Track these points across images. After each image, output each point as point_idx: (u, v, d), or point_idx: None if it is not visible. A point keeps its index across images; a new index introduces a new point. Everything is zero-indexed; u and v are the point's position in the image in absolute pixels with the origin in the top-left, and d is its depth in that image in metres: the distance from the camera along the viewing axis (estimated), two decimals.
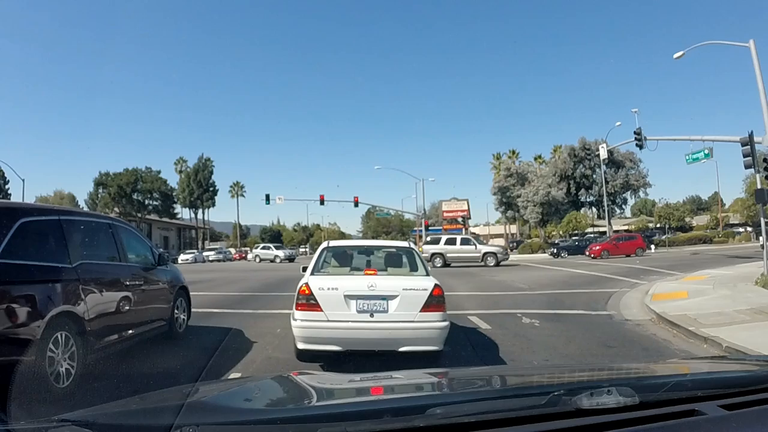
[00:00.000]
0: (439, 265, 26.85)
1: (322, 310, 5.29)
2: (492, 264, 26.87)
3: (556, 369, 3.39)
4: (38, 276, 4.51)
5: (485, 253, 27.63)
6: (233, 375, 5.43)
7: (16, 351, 3.99)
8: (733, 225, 59.96)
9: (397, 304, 5.33)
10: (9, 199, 44.99)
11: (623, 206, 56.22)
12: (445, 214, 54.04)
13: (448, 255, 27.79)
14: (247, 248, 67.08)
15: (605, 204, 43.36)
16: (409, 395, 1.77)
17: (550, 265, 27.76)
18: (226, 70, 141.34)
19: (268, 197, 43.42)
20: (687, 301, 10.49)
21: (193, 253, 53.12)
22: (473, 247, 27.99)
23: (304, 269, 6.25)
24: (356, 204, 45.70)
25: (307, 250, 78.63)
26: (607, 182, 45.67)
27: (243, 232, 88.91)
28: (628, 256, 32.17)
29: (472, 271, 24.07)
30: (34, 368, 4.07)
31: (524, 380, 2.05)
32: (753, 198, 18.20)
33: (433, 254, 27.56)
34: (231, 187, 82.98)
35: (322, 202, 44.22)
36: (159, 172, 65.20)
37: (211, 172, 76.91)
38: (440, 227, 59.43)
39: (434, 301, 5.38)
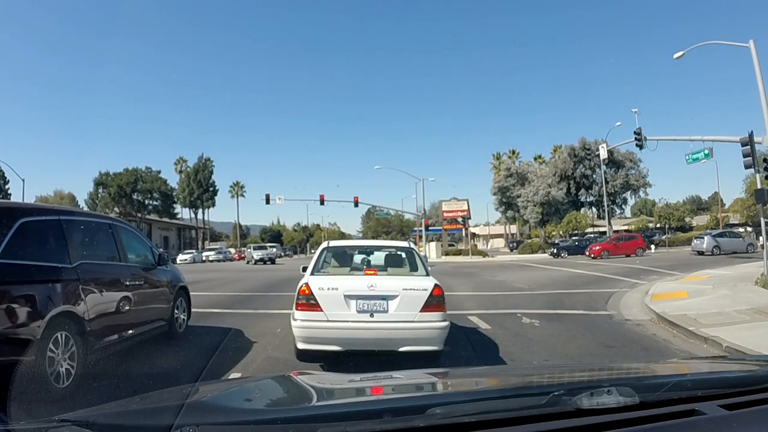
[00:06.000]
0: None
1: (322, 310, 5.29)
2: None
3: (556, 369, 3.39)
4: (38, 276, 4.51)
5: None
6: (233, 375, 5.43)
7: (16, 351, 3.99)
8: (733, 225, 59.83)
9: (397, 304, 5.33)
10: (9, 199, 44.97)
11: (623, 206, 56.24)
12: (445, 214, 54.07)
13: None
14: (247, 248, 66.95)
15: (605, 204, 43.36)
16: (409, 395, 1.77)
17: (550, 265, 27.76)
18: (226, 70, 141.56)
19: (268, 197, 43.39)
20: (687, 301, 10.49)
21: (192, 253, 53.01)
22: None
23: (304, 269, 6.25)
24: (356, 204, 45.69)
25: (276, 249, 64.77)
26: (607, 182, 45.66)
27: (243, 232, 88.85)
28: (628, 256, 32.18)
29: (472, 271, 24.07)
30: (34, 368, 4.07)
31: (524, 380, 2.05)
32: (753, 198, 18.19)
33: None
34: (231, 187, 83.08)
35: (322, 202, 44.22)
36: (159, 172, 65.20)
37: (211, 172, 76.94)
38: (440, 227, 59.49)
39: (434, 301, 5.38)
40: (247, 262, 42.99)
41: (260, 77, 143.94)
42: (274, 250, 46.16)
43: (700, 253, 30.33)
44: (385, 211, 70.38)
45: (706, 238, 31.45)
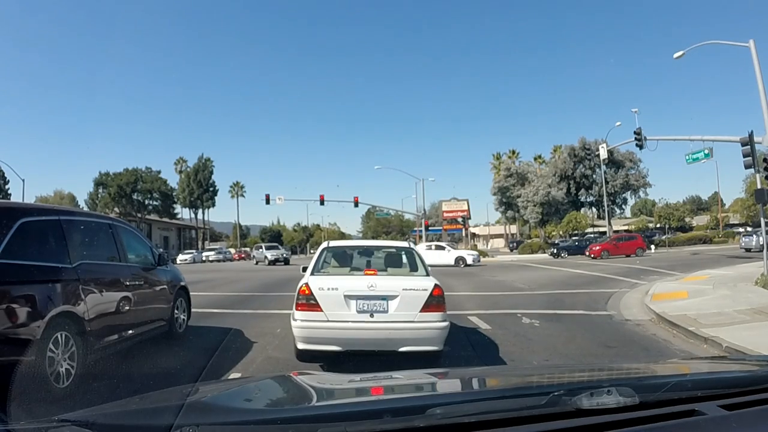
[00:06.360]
0: None
1: (322, 310, 5.29)
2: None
3: (556, 369, 3.39)
4: (38, 276, 4.51)
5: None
6: (233, 375, 5.43)
7: (16, 351, 3.99)
8: (733, 225, 59.95)
9: (397, 305, 5.32)
10: (9, 199, 44.98)
11: (623, 206, 56.22)
12: (445, 214, 54.12)
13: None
14: (248, 248, 66.75)
15: (605, 204, 43.35)
16: (409, 395, 1.77)
17: (550, 265, 27.77)
18: (226, 71, 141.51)
19: (268, 197, 43.32)
20: (687, 301, 10.49)
21: (192, 253, 52.91)
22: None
23: (304, 269, 6.25)
24: (356, 204, 45.65)
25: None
26: (607, 182, 45.64)
27: (243, 232, 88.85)
28: (628, 256, 32.17)
29: (472, 271, 24.08)
30: (34, 368, 4.07)
31: (524, 380, 2.05)
32: (753, 198, 18.19)
33: None
34: (231, 187, 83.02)
35: (322, 202, 44.16)
36: (159, 172, 65.28)
37: (211, 172, 76.88)
38: (440, 227, 59.53)
39: (434, 301, 5.38)
40: (257, 263, 39.77)
41: (261, 78, 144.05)
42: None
43: (749, 249, 30.53)
44: (385, 211, 70.35)
45: (754, 236, 31.63)
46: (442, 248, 32.38)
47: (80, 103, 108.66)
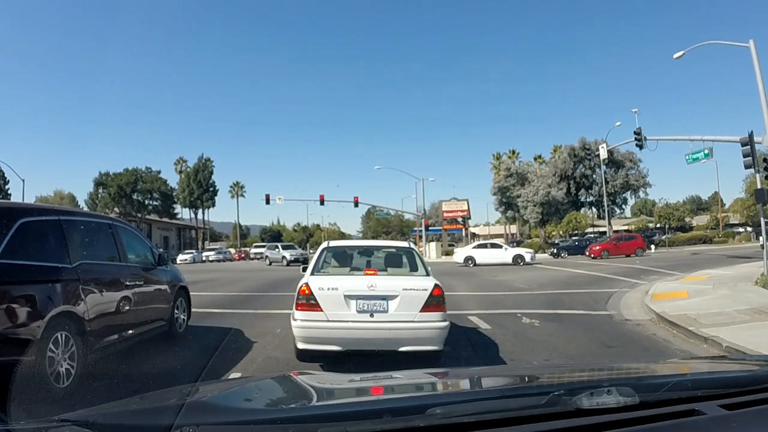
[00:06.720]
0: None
1: (322, 310, 5.29)
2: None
3: (556, 369, 3.39)
4: (38, 276, 4.51)
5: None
6: (233, 375, 5.43)
7: (16, 351, 3.99)
8: (733, 225, 59.98)
9: (397, 304, 5.33)
10: (9, 199, 44.97)
11: (623, 206, 56.21)
12: (445, 214, 54.12)
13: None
14: (248, 248, 66.70)
15: (605, 204, 43.35)
16: (409, 395, 1.77)
17: (550, 265, 27.78)
18: (226, 72, 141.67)
19: (268, 197, 43.37)
20: (687, 301, 10.49)
21: (192, 253, 52.89)
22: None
23: (304, 269, 6.26)
24: (356, 204, 45.71)
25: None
26: (607, 182, 45.64)
27: (243, 232, 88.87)
28: (628, 256, 32.16)
29: (472, 271, 24.09)
30: (34, 368, 4.07)
31: (524, 380, 2.05)
32: (753, 198, 18.19)
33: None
34: (231, 187, 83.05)
35: (322, 202, 44.24)
36: (159, 172, 65.33)
37: (211, 172, 76.89)
38: (440, 227, 59.50)
39: (434, 301, 5.38)
40: (270, 263, 36.20)
41: (261, 80, 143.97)
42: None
43: None
44: (385, 211, 70.37)
45: None
46: (498, 246, 31.89)
47: (80, 104, 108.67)
